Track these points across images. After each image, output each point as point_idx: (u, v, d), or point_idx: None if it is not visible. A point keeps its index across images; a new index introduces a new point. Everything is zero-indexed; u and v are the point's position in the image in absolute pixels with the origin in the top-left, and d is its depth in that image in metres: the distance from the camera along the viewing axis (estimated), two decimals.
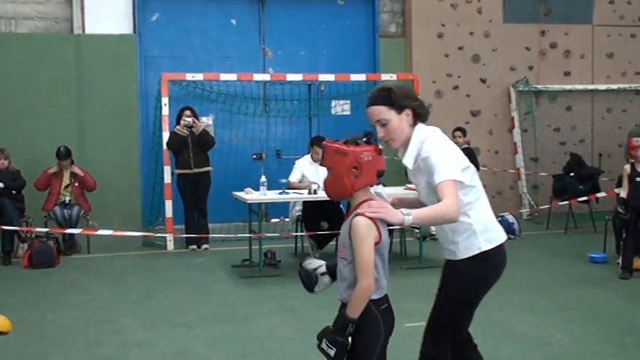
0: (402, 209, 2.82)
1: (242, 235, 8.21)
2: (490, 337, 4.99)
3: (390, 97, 3.00)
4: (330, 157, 2.74)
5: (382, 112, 3.00)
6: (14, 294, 6.32)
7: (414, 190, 8.37)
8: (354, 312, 2.66)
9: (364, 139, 2.77)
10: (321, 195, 7.44)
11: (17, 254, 8.15)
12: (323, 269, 2.92)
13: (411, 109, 3.03)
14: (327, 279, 2.92)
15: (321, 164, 2.85)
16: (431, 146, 2.97)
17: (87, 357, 4.66)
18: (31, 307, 5.97)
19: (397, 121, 3.00)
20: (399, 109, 3.00)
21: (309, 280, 2.93)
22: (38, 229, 7.36)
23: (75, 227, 8.43)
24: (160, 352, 4.76)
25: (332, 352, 2.65)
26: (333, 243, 8.05)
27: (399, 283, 6.77)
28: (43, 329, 5.35)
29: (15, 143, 9.06)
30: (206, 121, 9.63)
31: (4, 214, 7.82)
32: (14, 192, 8.39)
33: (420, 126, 3.06)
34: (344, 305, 2.75)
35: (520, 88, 11.30)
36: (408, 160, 3.07)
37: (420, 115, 3.07)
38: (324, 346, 2.67)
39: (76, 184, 8.82)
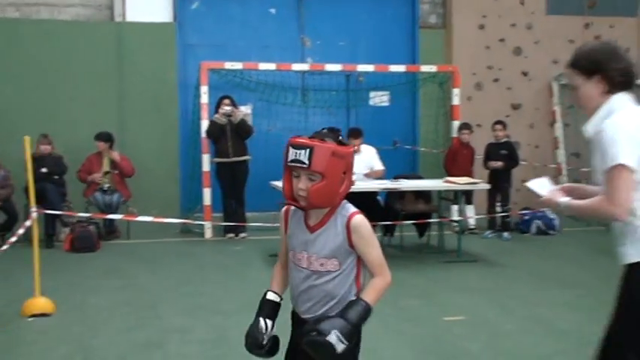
0: (563, 198, 2.65)
1: (279, 224, 8.20)
2: (530, 333, 4.94)
3: (578, 60, 2.63)
4: (323, 160, 2.27)
5: (571, 75, 2.65)
6: (57, 277, 6.42)
7: (453, 182, 8.28)
8: (374, 303, 2.35)
9: (340, 137, 2.40)
10: (359, 186, 7.42)
11: (59, 238, 8.31)
12: (270, 322, 2.53)
13: (603, 76, 2.57)
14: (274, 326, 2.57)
15: (303, 168, 2.30)
16: (613, 120, 2.51)
17: (127, 341, 4.72)
18: (73, 290, 6.09)
19: (584, 87, 2.61)
20: (588, 75, 2.59)
21: (276, 350, 2.54)
22: (81, 214, 7.48)
23: (115, 213, 8.54)
24: (198, 338, 4.80)
25: (340, 348, 2.23)
26: None
27: (437, 277, 6.75)
28: (85, 312, 5.45)
29: (56, 130, 9.18)
30: (245, 110, 9.66)
31: (48, 198, 7.95)
32: (57, 177, 8.54)
33: (617, 96, 2.58)
34: (318, 320, 2.34)
35: (563, 82, 11.10)
36: (587, 128, 2.63)
37: (618, 84, 2.58)
38: (332, 339, 2.22)
39: (116, 171, 8.92)
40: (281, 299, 2.57)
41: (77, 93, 9.95)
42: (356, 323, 2.27)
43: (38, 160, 8.09)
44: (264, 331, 2.48)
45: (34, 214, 5.48)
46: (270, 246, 8.07)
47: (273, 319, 2.52)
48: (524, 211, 9.33)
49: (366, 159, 8.13)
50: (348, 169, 2.35)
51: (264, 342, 2.48)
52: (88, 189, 8.88)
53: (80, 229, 8.03)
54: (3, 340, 4.74)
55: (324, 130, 2.38)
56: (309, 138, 2.32)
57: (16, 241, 5.73)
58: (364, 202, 7.78)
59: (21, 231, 5.80)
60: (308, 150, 2.27)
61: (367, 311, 2.30)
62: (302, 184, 2.33)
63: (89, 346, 4.62)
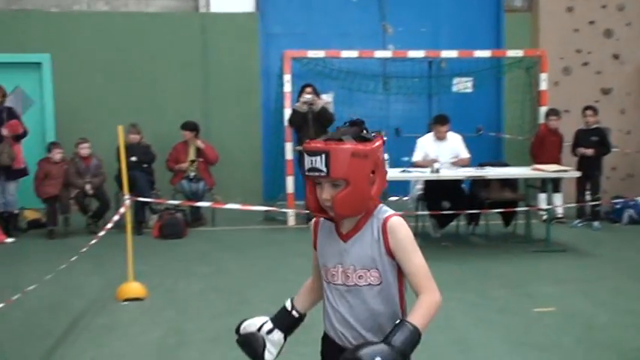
0: None
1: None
2: (624, 326, 4.76)
3: None
4: (343, 165, 1.96)
5: None
6: (147, 262, 6.61)
7: (541, 170, 8.03)
8: (425, 327, 1.96)
9: (364, 131, 2.05)
10: (443, 174, 7.32)
11: (147, 225, 8.57)
12: (268, 326, 2.25)
13: None
14: (277, 336, 2.25)
15: (322, 176, 2.00)
16: None
17: (217, 326, 4.81)
18: (163, 276, 6.27)
19: None
20: None
21: (254, 348, 2.23)
22: (169, 202, 7.70)
23: (200, 201, 8.73)
24: None
25: None
26: (454, 223, 7.92)
27: (525, 267, 6.60)
28: (175, 297, 5.60)
29: (144, 119, 9.44)
30: (326, 99, 9.66)
31: (137, 186, 8.19)
32: (145, 165, 8.81)
33: None
34: (357, 347, 1.99)
35: None
36: None
37: None
38: None
39: (201, 159, 9.12)
40: (293, 310, 2.31)
41: (163, 83, 10.23)
42: (401, 349, 1.87)
43: (128, 148, 8.25)
44: (252, 328, 2.25)
45: (128, 202, 5.66)
46: None
47: (275, 325, 2.25)
48: (615, 200, 8.98)
49: (453, 146, 8.00)
50: (377, 167, 2.03)
51: (241, 331, 2.27)
52: (174, 177, 9.12)
53: (168, 217, 8.26)
54: (100, 323, 4.93)
55: (347, 124, 2.07)
56: (325, 140, 2.02)
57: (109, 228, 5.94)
58: (449, 190, 7.70)
59: (116, 218, 6.00)
60: (323, 155, 1.97)
61: (414, 335, 1.91)
62: (325, 194, 2.02)
63: (182, 330, 4.75)
